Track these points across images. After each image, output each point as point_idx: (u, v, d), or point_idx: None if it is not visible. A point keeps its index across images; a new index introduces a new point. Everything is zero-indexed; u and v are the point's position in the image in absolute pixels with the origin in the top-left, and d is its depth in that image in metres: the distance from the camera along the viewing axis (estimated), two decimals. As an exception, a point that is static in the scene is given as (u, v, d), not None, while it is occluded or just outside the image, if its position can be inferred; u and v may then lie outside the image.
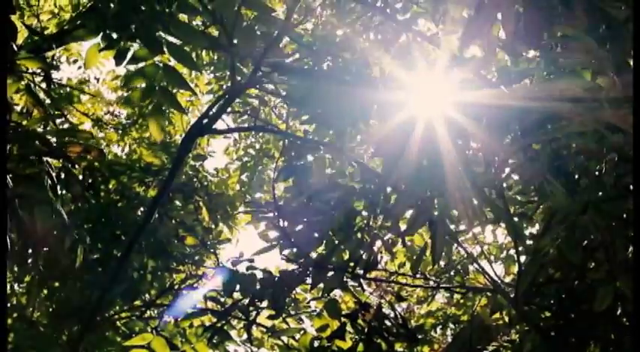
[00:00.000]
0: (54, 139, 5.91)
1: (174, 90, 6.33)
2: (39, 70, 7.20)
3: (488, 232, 8.86)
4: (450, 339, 8.80)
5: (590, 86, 4.75)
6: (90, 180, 8.28)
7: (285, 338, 7.91)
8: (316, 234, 6.65)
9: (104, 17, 5.46)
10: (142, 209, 8.68)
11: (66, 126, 10.23)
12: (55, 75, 11.78)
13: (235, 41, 6.20)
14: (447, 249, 6.60)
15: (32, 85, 6.16)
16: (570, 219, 5.16)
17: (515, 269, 7.66)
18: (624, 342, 5.61)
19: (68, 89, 12.30)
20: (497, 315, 6.64)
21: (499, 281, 6.80)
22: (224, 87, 10.93)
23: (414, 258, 7.90)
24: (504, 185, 5.87)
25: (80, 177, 7.60)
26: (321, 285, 6.63)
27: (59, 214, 5.70)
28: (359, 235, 6.63)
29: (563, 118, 4.81)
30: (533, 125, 4.95)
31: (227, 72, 10.42)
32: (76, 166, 6.22)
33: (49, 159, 5.78)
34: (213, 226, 9.66)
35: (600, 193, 5.22)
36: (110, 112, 13.85)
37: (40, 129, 6.08)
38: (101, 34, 5.51)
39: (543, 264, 5.72)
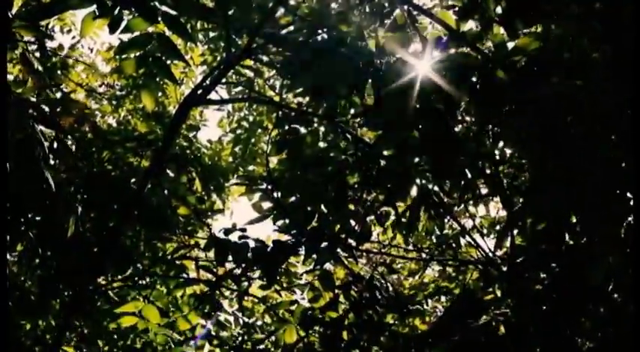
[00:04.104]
0: (47, 108, 5.89)
1: (168, 61, 6.31)
2: (33, 39, 7.18)
3: (481, 205, 8.87)
4: (440, 312, 8.83)
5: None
6: (83, 150, 8.26)
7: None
8: (309, 207, 6.66)
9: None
10: (134, 179, 8.66)
11: (59, 95, 10.18)
12: (48, 44, 11.74)
13: (230, 12, 6.19)
14: (439, 222, 6.62)
15: (27, 53, 6.14)
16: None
17: (507, 242, 7.68)
18: (616, 317, 5.64)
19: (62, 56, 12.25)
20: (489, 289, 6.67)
21: (491, 255, 6.83)
22: (218, 58, 10.92)
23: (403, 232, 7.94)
24: (498, 157, 5.89)
25: (73, 147, 7.60)
26: (314, 256, 6.66)
27: (49, 183, 5.70)
28: (352, 207, 6.66)
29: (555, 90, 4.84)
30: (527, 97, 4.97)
31: (221, 43, 10.41)
32: (69, 136, 6.21)
33: (42, 128, 5.77)
34: (206, 197, 9.67)
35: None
36: (105, 83, 13.84)
37: (33, 98, 6.07)
38: (96, 2, 5.48)
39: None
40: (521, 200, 6.21)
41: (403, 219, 6.90)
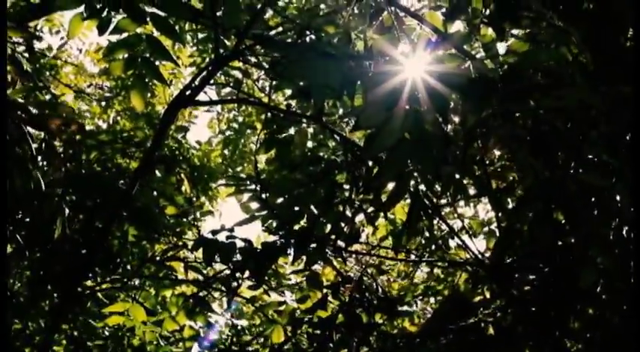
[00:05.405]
0: (35, 110, 5.87)
1: (157, 62, 6.31)
2: (22, 40, 7.15)
3: (469, 206, 8.86)
4: (429, 314, 8.83)
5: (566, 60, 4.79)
6: (71, 151, 8.23)
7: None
8: (298, 207, 6.66)
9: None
10: (122, 181, 8.64)
11: (48, 97, 10.15)
12: (37, 46, 11.72)
13: (219, 13, 6.18)
14: (428, 223, 6.62)
15: (15, 54, 6.12)
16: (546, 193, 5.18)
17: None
18: (604, 318, 5.64)
19: (49, 57, 12.23)
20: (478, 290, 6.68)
21: (480, 256, 6.84)
22: (207, 60, 10.91)
23: (395, 231, 7.95)
24: (487, 159, 5.89)
25: (61, 149, 7.58)
26: (303, 258, 6.66)
27: (38, 184, 5.69)
28: (341, 208, 6.65)
29: (544, 92, 4.84)
30: (515, 98, 4.97)
31: (209, 45, 10.41)
32: (57, 139, 6.19)
33: (30, 130, 5.75)
34: (194, 198, 9.66)
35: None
36: (94, 85, 13.81)
37: (21, 100, 6.04)
38: (84, 3, 5.46)
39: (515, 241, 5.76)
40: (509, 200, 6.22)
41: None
